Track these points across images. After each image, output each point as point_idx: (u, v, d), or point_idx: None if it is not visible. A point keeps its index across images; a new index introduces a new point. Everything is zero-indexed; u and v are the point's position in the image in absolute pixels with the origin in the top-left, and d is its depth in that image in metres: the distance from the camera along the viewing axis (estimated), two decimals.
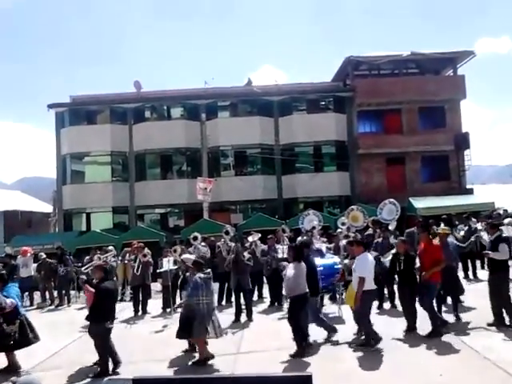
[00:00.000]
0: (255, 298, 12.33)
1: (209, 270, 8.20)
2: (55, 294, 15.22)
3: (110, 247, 15.12)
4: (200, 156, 25.58)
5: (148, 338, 9.81)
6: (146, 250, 13.06)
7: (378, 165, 26.82)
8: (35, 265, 15.82)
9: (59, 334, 10.34)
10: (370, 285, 7.72)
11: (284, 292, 8.31)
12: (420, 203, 21.22)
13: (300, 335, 7.80)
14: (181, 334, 7.82)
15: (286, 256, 11.71)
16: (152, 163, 28.12)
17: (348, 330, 8.60)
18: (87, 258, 15.11)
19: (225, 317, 10.64)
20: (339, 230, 13.64)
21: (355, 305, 7.76)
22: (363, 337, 7.97)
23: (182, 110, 28.71)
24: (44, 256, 15.73)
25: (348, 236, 12.86)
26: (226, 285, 12.49)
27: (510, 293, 8.59)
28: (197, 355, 7.85)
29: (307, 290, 7.78)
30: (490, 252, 8.63)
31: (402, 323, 8.65)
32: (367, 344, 7.71)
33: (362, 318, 7.84)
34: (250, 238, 12.46)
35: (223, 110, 28.72)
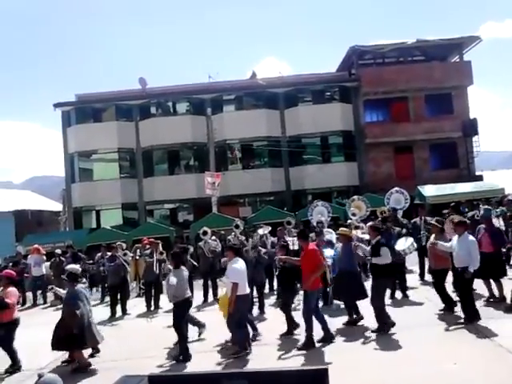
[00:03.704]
0: (266, 290, 12.34)
1: (84, 279, 8.24)
2: None
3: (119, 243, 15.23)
4: (207, 150, 25.57)
5: (162, 333, 9.85)
6: (161, 248, 13.09)
7: (385, 154, 26.72)
8: (48, 263, 15.94)
9: None
10: (243, 290, 7.65)
11: (167, 298, 8.26)
12: (429, 191, 21.10)
13: (183, 340, 7.96)
14: (71, 345, 7.78)
15: (296, 247, 11.72)
16: (159, 159, 28.18)
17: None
18: (98, 254, 15.19)
19: None
20: (349, 221, 13.62)
21: (230, 309, 7.59)
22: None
23: (188, 105, 28.69)
24: (60, 253, 15.84)
25: (358, 227, 12.85)
26: None
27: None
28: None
29: (189, 295, 8.15)
30: (372, 258, 8.21)
31: (414, 311, 8.66)
32: (237, 350, 7.67)
33: (235, 323, 7.71)
34: (261, 231, 12.43)
35: (229, 104, 28.66)
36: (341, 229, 9.78)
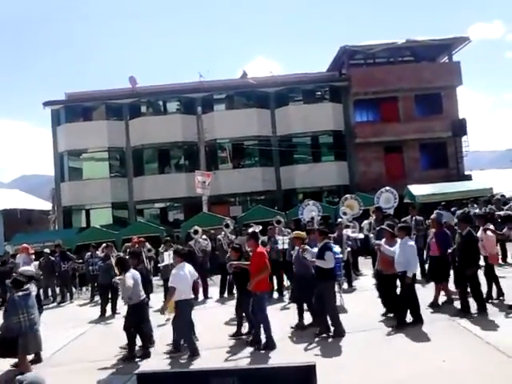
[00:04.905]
0: None
1: (27, 286, 7.90)
2: (57, 290, 15.26)
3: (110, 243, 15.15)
4: (197, 149, 25.52)
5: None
6: (148, 246, 13.08)
7: (375, 153, 26.83)
8: (36, 262, 15.83)
9: (62, 330, 10.37)
10: (186, 294, 7.77)
11: (123, 300, 8.27)
12: (418, 190, 21.22)
13: (132, 341, 8.16)
14: (5, 354, 7.69)
15: (286, 247, 11.76)
16: (149, 158, 28.09)
17: (349, 318, 8.65)
18: (88, 254, 15.12)
19: (227, 309, 10.69)
20: (340, 220, 13.66)
21: (174, 312, 7.73)
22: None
23: (178, 103, 28.63)
24: (49, 252, 15.75)
25: (348, 226, 12.91)
26: (228, 277, 12.45)
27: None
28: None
29: (143, 298, 8.37)
30: (316, 260, 8.16)
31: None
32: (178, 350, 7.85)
33: (179, 326, 7.85)
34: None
35: (219, 103, 28.62)
36: (295, 232, 9.79)
